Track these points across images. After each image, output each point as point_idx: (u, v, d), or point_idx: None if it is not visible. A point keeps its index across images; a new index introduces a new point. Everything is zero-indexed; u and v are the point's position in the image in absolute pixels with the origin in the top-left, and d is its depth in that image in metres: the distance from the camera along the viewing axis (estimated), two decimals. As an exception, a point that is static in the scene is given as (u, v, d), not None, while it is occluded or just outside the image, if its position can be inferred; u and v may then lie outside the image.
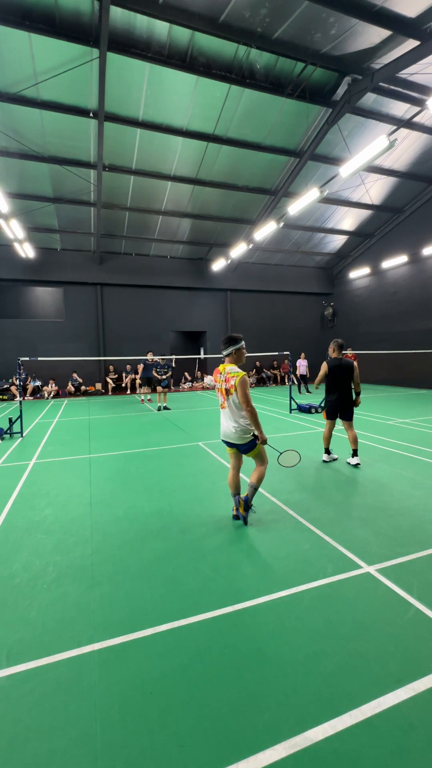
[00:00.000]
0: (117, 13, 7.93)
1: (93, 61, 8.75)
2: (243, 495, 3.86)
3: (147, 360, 13.62)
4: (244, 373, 3.60)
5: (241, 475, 3.98)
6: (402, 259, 16.50)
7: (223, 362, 3.79)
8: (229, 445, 3.78)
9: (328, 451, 5.86)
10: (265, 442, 3.62)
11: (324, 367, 5.73)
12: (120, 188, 13.36)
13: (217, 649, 2.21)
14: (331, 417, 5.75)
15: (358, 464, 5.54)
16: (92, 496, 4.67)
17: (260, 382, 19.80)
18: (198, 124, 11.04)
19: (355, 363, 5.79)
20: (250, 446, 3.66)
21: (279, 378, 20.30)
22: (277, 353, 13.26)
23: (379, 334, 18.46)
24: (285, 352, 12.05)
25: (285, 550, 3.28)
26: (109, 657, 2.18)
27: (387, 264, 17.38)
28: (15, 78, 9.00)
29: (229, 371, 3.61)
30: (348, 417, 5.66)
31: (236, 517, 3.87)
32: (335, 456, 5.93)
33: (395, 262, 16.86)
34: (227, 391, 3.60)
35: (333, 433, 6.02)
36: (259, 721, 1.78)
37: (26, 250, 14.29)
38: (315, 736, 1.71)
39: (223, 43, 8.78)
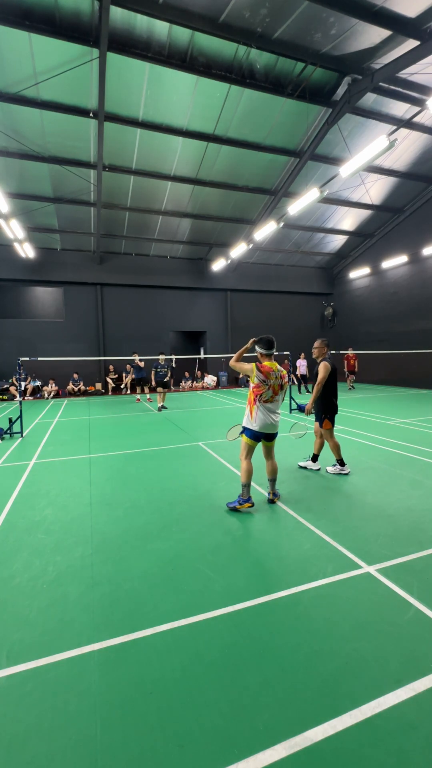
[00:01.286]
0: (117, 13, 7.93)
1: (93, 61, 8.75)
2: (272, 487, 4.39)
3: (133, 361, 13.72)
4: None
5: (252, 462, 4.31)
6: (402, 259, 16.51)
7: (260, 360, 4.18)
8: (268, 437, 4.19)
9: (343, 461, 5.29)
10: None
11: (327, 368, 5.09)
12: (120, 188, 13.36)
13: (217, 649, 2.21)
14: (334, 423, 5.32)
15: (319, 469, 5.40)
16: (92, 496, 4.67)
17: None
18: (198, 124, 11.04)
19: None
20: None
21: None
22: (277, 353, 13.23)
23: (379, 334, 18.46)
24: (285, 352, 12.05)
25: (285, 550, 3.28)
26: (109, 657, 2.18)
27: (387, 264, 17.38)
28: (15, 78, 9.00)
29: (282, 369, 4.15)
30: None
31: (272, 501, 4.33)
32: (348, 469, 5.31)
33: (395, 262, 16.87)
34: (281, 387, 4.11)
35: (309, 439, 5.74)
36: (259, 721, 1.78)
37: (26, 250, 14.30)
38: (315, 736, 1.71)
39: (223, 43, 8.78)
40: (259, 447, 4.35)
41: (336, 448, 5.22)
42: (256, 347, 4.18)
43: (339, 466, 5.26)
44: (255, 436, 4.11)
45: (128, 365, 14.27)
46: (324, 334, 21.81)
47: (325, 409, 5.19)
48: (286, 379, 4.10)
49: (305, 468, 5.52)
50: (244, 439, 4.16)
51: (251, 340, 4.29)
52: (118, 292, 18.13)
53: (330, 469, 5.33)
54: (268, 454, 4.33)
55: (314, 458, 5.51)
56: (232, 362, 4.21)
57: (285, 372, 4.15)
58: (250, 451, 4.15)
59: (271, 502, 4.30)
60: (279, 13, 8.03)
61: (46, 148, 11.26)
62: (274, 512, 4.06)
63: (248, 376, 4.13)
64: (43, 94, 9.58)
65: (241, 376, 4.96)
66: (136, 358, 13.70)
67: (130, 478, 5.28)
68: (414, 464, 5.63)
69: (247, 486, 4.08)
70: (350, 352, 15.93)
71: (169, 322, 19.22)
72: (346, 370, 16.05)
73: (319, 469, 5.46)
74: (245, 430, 4.16)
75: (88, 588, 2.82)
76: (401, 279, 17.26)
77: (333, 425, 5.26)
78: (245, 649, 2.20)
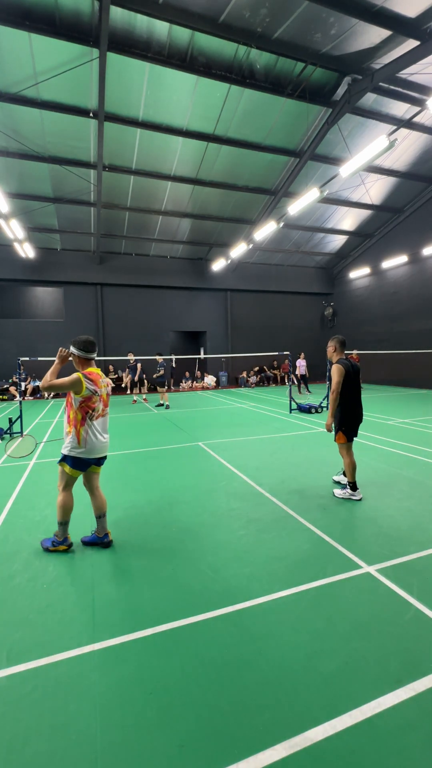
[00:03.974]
0: (117, 13, 7.93)
1: (93, 61, 8.75)
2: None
3: (129, 362, 13.72)
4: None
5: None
6: (402, 259, 16.51)
7: (81, 368, 3.44)
8: (99, 461, 3.46)
9: (356, 486, 4.38)
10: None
11: (341, 371, 4.21)
12: (120, 188, 13.36)
13: (217, 648, 2.21)
14: (352, 438, 4.36)
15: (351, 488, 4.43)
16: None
17: (261, 381, 19.80)
18: (198, 124, 11.04)
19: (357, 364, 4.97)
20: None
21: (279, 378, 20.30)
22: (277, 353, 13.27)
23: (379, 334, 18.46)
24: (285, 352, 12.06)
25: (285, 550, 3.28)
26: (109, 657, 2.18)
27: (387, 264, 17.38)
28: (15, 78, 8.99)
29: (103, 375, 3.57)
30: (356, 433, 4.41)
31: (107, 544, 3.47)
32: (360, 495, 4.37)
33: (395, 262, 16.87)
34: (108, 396, 3.61)
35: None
36: (259, 721, 1.78)
37: (26, 250, 14.30)
38: (315, 736, 1.71)
39: (223, 43, 8.77)
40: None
41: (350, 468, 4.34)
42: (73, 350, 3.34)
43: (350, 491, 4.36)
44: (82, 465, 3.29)
45: (126, 366, 14.32)
46: (324, 334, 21.81)
47: (341, 420, 4.32)
48: (112, 386, 3.49)
49: (338, 483, 4.80)
50: (66, 469, 3.28)
51: (61, 349, 3.43)
52: (118, 292, 18.14)
53: (338, 492, 4.42)
54: (93, 484, 3.45)
55: (344, 473, 4.59)
56: (44, 383, 3.16)
57: (109, 379, 3.46)
58: (70, 483, 3.33)
59: (106, 545, 3.41)
60: (279, 13, 8.03)
61: (46, 148, 11.26)
62: (274, 512, 4.06)
63: (75, 392, 3.19)
64: (43, 94, 9.58)
65: (74, 395, 3.24)
66: (131, 357, 13.69)
67: (130, 478, 5.28)
68: (414, 464, 5.63)
69: (64, 525, 3.33)
70: (355, 353, 15.91)
71: (169, 322, 19.22)
72: None
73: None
74: (66, 459, 3.27)
75: (88, 588, 2.82)
76: (401, 279, 17.26)
77: (349, 440, 4.34)
78: (245, 649, 2.20)
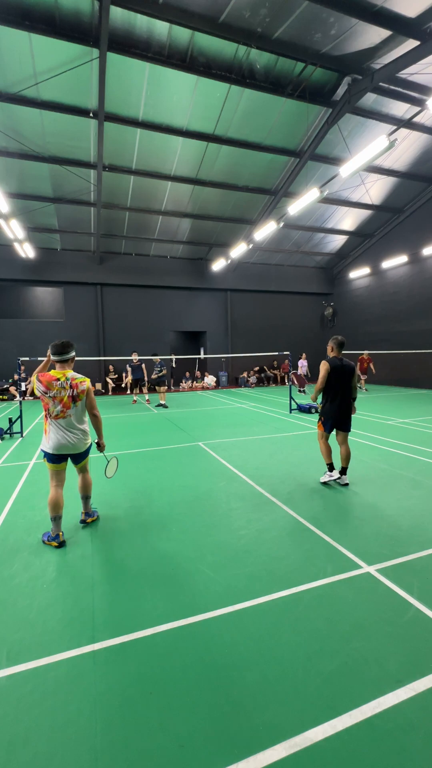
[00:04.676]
0: (117, 13, 7.92)
1: (93, 61, 8.75)
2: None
3: (132, 361, 13.61)
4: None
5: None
6: (402, 259, 16.51)
7: (44, 370, 3.77)
8: (74, 459, 3.66)
9: (332, 467, 4.89)
10: None
11: (326, 367, 4.73)
12: (120, 188, 13.36)
13: (217, 649, 2.21)
14: (331, 429, 4.87)
15: (347, 484, 4.81)
16: (92, 496, 4.65)
17: (260, 381, 19.81)
18: (198, 124, 11.04)
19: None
20: None
21: (279, 378, 20.30)
22: (277, 353, 13.26)
23: (379, 334, 18.46)
24: (285, 352, 12.06)
25: (285, 550, 3.28)
26: (109, 657, 2.18)
27: (387, 264, 17.38)
28: (15, 78, 8.99)
29: (79, 377, 3.61)
30: (346, 428, 4.86)
31: (83, 522, 3.83)
32: (337, 475, 4.86)
33: (395, 262, 16.87)
34: (74, 398, 3.57)
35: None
36: (259, 721, 1.78)
37: (26, 250, 14.29)
38: (315, 736, 1.71)
39: (223, 43, 8.77)
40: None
41: (324, 453, 4.89)
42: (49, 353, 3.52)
43: (328, 472, 4.88)
44: (53, 459, 3.46)
45: (127, 366, 14.20)
46: (324, 334, 21.82)
47: (322, 411, 4.94)
48: (82, 389, 3.45)
49: (345, 485, 4.92)
50: (45, 461, 3.51)
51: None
52: (118, 292, 18.13)
53: (322, 478, 4.94)
54: (81, 472, 3.78)
55: (343, 470, 4.91)
56: (33, 378, 3.49)
57: (83, 380, 3.50)
58: (54, 477, 3.49)
59: (83, 522, 3.77)
60: (279, 13, 8.03)
61: (46, 148, 11.26)
62: (274, 512, 4.06)
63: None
64: (43, 94, 9.58)
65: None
66: (135, 357, 13.53)
67: (130, 478, 5.28)
68: (414, 464, 5.63)
69: (55, 520, 3.42)
70: (366, 353, 15.83)
71: (169, 322, 19.21)
72: (359, 372, 15.91)
73: (347, 484, 4.85)
74: (44, 453, 3.49)
75: (88, 588, 2.82)
76: (401, 279, 17.26)
77: (326, 430, 4.85)
78: (245, 649, 2.20)
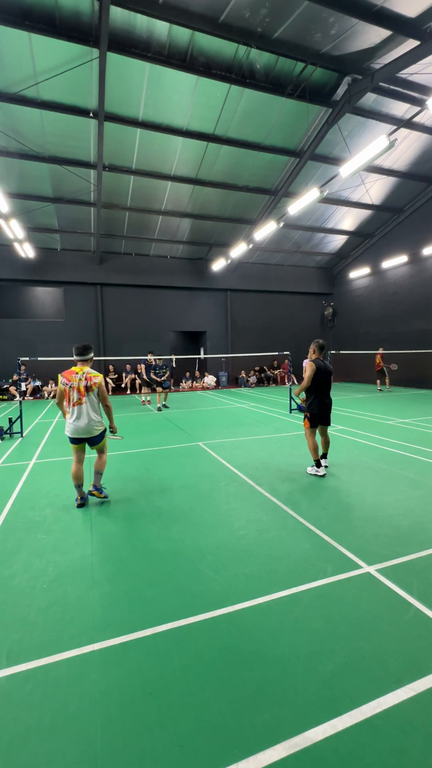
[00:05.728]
0: (117, 13, 7.92)
1: (93, 61, 8.75)
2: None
3: (147, 360, 13.51)
4: None
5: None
6: (402, 259, 16.51)
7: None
8: (90, 442, 4.40)
9: (319, 463, 5.21)
10: None
11: (312, 367, 5.08)
12: (120, 188, 13.36)
13: (217, 648, 2.21)
14: (316, 425, 5.26)
15: (326, 466, 5.35)
16: (92, 496, 4.66)
17: (260, 381, 19.80)
18: (198, 124, 11.04)
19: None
20: None
21: (279, 378, 20.29)
22: (277, 353, 13.26)
23: (379, 333, 18.45)
24: (285, 352, 12.05)
25: (285, 550, 3.28)
26: (109, 657, 2.18)
27: (387, 264, 17.38)
28: (15, 78, 8.99)
29: (92, 372, 4.40)
30: (328, 422, 5.34)
31: (90, 494, 4.44)
32: (323, 471, 5.18)
33: (395, 262, 16.87)
34: (88, 388, 4.30)
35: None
36: (259, 721, 1.78)
37: (26, 250, 14.29)
38: (315, 736, 1.71)
39: (223, 43, 8.77)
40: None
41: (311, 449, 5.21)
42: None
43: (315, 468, 5.22)
44: (72, 441, 4.32)
45: (139, 365, 13.95)
46: (324, 335, 21.82)
47: (308, 408, 5.30)
48: (95, 381, 4.24)
49: (315, 474, 5.27)
50: (70, 444, 4.37)
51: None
52: (118, 292, 18.13)
53: (309, 469, 5.32)
54: (99, 450, 4.50)
55: (323, 455, 5.42)
56: (58, 378, 4.37)
57: (96, 375, 4.30)
58: (75, 454, 4.36)
59: (90, 494, 4.41)
60: (279, 13, 8.03)
61: (46, 148, 11.26)
62: (274, 512, 4.06)
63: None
64: (43, 94, 9.58)
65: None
66: (151, 357, 13.00)
67: (130, 479, 5.28)
68: (414, 464, 5.63)
69: (78, 488, 4.34)
70: (381, 351, 15.27)
71: (169, 322, 19.21)
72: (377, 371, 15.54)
73: (326, 466, 5.38)
74: (67, 436, 4.37)
75: (88, 588, 2.82)
76: (401, 279, 17.26)
77: (312, 426, 5.25)
78: (245, 649, 2.20)
